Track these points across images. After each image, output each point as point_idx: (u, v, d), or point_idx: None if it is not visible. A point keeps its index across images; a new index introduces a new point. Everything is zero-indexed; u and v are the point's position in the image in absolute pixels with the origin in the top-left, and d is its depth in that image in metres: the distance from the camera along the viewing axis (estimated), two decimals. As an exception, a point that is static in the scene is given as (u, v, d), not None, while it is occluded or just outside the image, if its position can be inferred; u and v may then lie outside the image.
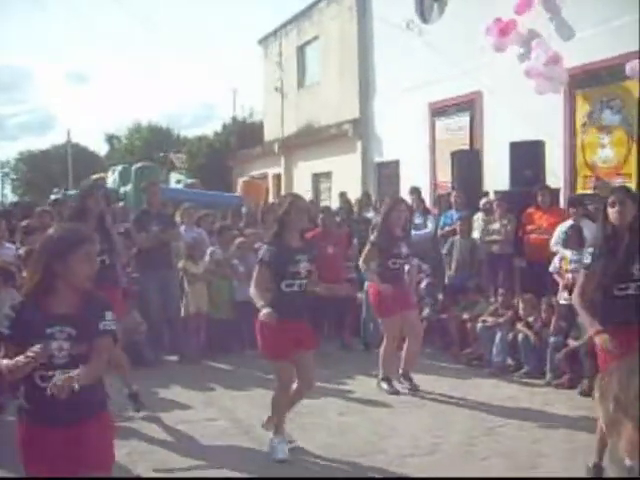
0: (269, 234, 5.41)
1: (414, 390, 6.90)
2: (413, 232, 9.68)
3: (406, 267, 7.10)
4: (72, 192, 16.20)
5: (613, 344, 4.16)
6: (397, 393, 6.85)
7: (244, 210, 12.21)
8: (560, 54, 10.87)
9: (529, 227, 9.02)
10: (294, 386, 5.21)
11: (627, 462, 1.31)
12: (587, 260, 4.46)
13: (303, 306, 5.26)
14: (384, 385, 6.96)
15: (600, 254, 4.39)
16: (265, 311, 4.83)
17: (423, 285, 9.08)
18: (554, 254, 8.14)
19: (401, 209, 7.05)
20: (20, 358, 2.83)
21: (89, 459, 3.10)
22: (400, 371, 7.07)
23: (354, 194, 13.91)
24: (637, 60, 9.67)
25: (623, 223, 4.39)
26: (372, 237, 7.12)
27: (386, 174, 16.79)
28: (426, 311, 8.74)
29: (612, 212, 4.41)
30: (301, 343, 5.13)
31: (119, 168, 17.30)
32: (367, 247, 7.11)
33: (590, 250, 4.48)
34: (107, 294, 6.03)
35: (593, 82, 10.92)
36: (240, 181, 19.49)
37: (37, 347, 2.83)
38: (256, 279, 5.15)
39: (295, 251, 5.18)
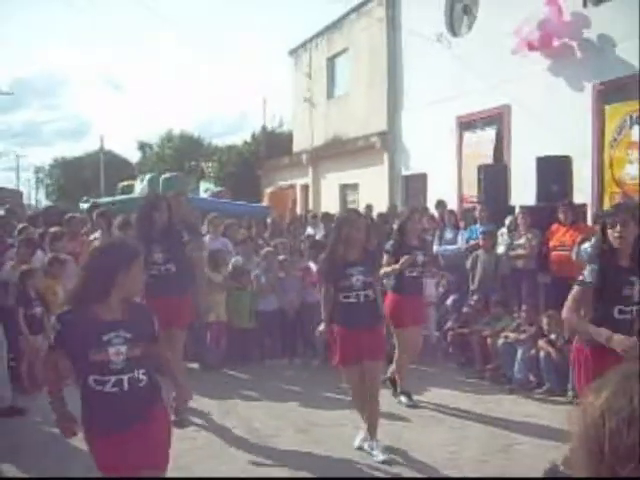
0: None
1: (415, 406, 6.83)
2: (444, 247, 9.87)
3: (426, 281, 7.04)
4: (105, 199, 16.32)
5: (630, 342, 3.81)
6: (416, 406, 6.82)
7: (269, 220, 12.25)
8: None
9: (553, 243, 8.91)
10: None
11: None
12: (588, 278, 4.16)
13: (366, 316, 5.39)
14: (403, 399, 6.93)
15: (597, 273, 4.11)
16: (319, 327, 5.59)
17: (449, 301, 9.07)
18: (580, 270, 7.95)
19: (416, 219, 7.13)
20: None
21: (151, 455, 3.19)
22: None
23: (381, 206, 13.89)
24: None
25: (623, 246, 4.09)
26: (387, 246, 7.14)
27: (413, 187, 16.77)
28: (449, 324, 8.75)
29: (612, 233, 4.10)
30: (368, 352, 5.31)
31: (148, 176, 17.41)
32: (384, 256, 7.12)
33: (593, 267, 4.17)
34: (174, 303, 6.04)
35: (623, 97, 10.82)
36: (267, 192, 19.56)
37: None
38: (322, 290, 5.62)
39: (349, 265, 5.35)
